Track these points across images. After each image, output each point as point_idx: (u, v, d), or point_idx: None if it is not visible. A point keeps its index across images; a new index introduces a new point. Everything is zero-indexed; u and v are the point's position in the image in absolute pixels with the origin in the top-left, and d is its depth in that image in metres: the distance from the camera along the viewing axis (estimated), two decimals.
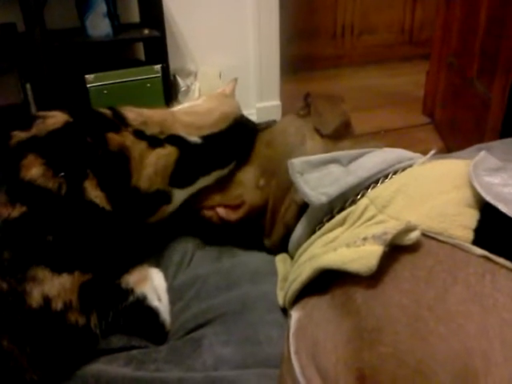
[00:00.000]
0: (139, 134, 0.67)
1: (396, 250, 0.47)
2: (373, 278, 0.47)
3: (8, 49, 1.62)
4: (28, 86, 1.75)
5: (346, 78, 3.22)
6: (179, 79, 1.91)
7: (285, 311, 0.63)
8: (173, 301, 0.66)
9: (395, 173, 0.63)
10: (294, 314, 0.55)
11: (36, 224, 0.54)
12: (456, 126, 2.15)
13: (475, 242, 0.47)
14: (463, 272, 0.44)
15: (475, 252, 0.46)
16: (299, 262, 0.61)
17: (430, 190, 0.54)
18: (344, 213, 0.58)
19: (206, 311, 0.64)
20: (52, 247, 0.54)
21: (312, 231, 0.65)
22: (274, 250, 0.75)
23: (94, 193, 0.60)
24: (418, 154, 0.68)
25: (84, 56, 1.69)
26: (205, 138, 0.74)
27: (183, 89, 1.91)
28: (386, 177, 0.62)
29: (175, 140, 0.71)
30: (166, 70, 1.70)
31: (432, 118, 2.52)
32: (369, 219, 0.54)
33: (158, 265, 0.71)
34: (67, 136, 0.61)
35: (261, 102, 2.28)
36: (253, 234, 0.78)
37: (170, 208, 0.73)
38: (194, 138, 0.73)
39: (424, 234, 0.48)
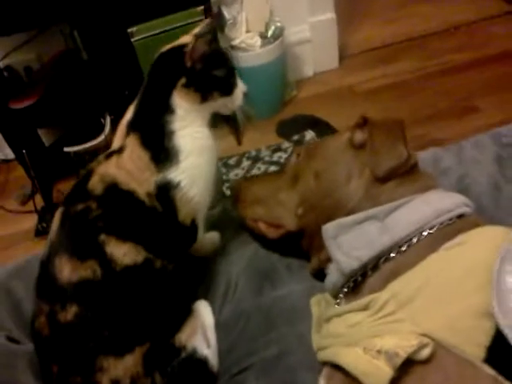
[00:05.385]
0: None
1: (407, 361, 0.50)
2: None
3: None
4: (75, 33, 1.75)
5: None
6: (224, 10, 1.81)
7: None
8: (219, 338, 0.74)
9: (431, 228, 0.63)
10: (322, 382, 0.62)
11: (91, 321, 0.61)
12: None
13: (488, 359, 0.49)
14: None
15: (485, 371, 0.48)
16: (325, 332, 0.66)
17: (451, 292, 0.54)
18: (367, 298, 0.60)
19: (248, 355, 0.71)
20: (110, 339, 0.62)
21: (346, 281, 0.68)
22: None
23: (118, 249, 0.65)
24: (459, 202, 0.66)
25: (126, 6, 1.63)
26: None
27: (230, 21, 1.82)
28: (420, 234, 0.63)
29: (130, 128, 0.73)
30: (208, 11, 1.62)
31: None
32: (389, 314, 0.56)
33: (204, 298, 0.79)
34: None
35: (313, 16, 2.11)
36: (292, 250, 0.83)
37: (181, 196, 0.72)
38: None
39: (436, 343, 0.51)
